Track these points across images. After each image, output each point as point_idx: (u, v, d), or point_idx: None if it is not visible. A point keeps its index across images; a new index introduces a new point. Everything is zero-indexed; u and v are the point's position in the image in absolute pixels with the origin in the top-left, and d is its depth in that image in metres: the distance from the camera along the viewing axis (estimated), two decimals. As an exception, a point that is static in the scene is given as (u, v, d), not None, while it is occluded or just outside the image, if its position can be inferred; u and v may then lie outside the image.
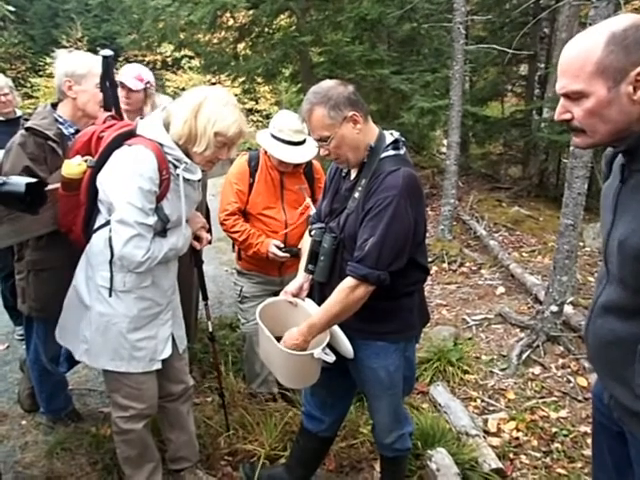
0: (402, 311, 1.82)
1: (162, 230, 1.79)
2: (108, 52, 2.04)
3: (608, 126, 1.12)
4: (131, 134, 1.74)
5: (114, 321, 1.80)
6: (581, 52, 1.11)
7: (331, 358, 1.73)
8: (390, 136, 1.77)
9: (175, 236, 1.83)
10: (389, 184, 1.64)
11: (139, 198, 1.65)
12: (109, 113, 2.00)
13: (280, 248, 2.55)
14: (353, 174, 1.82)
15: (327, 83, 1.72)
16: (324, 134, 1.69)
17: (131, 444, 1.97)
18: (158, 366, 1.91)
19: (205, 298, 2.40)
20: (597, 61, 1.08)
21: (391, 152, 1.74)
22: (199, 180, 1.92)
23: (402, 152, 1.76)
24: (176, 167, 1.75)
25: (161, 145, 1.71)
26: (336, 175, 1.92)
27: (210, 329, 2.43)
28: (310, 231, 1.90)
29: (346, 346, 1.79)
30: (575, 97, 1.13)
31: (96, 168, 1.75)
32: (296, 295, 1.91)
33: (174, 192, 1.78)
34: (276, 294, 2.06)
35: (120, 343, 1.81)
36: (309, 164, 2.71)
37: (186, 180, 1.80)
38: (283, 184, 2.64)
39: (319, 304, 1.82)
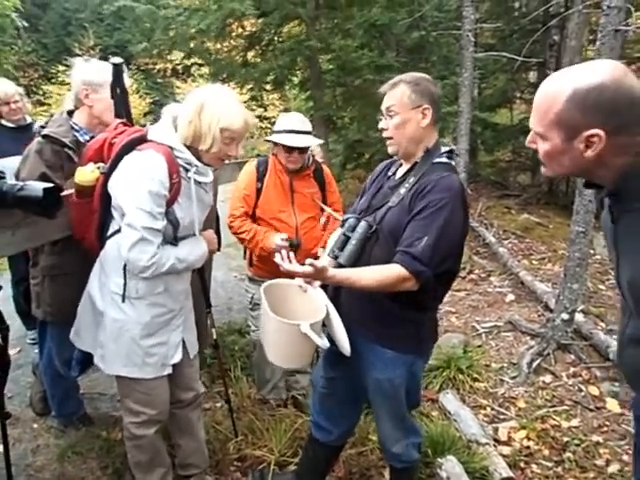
0: (422, 324, 1.82)
1: (173, 238, 1.79)
2: (118, 60, 2.06)
3: (564, 169, 1.17)
4: (142, 140, 1.76)
5: (127, 327, 1.80)
6: (548, 97, 1.12)
7: (323, 342, 1.67)
8: (446, 146, 1.82)
9: (188, 248, 1.83)
10: (444, 186, 1.66)
11: (148, 202, 1.66)
12: (120, 120, 2.03)
13: (284, 240, 2.49)
14: (400, 173, 1.85)
15: (422, 74, 1.82)
16: (394, 108, 1.74)
17: (142, 449, 1.98)
18: (169, 371, 1.92)
19: (208, 306, 2.41)
20: (557, 112, 1.10)
21: (444, 159, 1.78)
22: (211, 182, 1.92)
23: (453, 163, 1.81)
24: (187, 170, 1.77)
25: (171, 149, 1.73)
26: (380, 175, 1.96)
27: (214, 337, 2.43)
28: (343, 222, 1.89)
29: (342, 340, 1.72)
30: (538, 135, 1.17)
31: (108, 174, 1.76)
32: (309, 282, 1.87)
33: (186, 196, 1.78)
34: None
35: (133, 349, 1.82)
36: (319, 169, 2.72)
37: (198, 183, 1.82)
38: (293, 187, 2.64)
39: (334, 294, 1.81)
